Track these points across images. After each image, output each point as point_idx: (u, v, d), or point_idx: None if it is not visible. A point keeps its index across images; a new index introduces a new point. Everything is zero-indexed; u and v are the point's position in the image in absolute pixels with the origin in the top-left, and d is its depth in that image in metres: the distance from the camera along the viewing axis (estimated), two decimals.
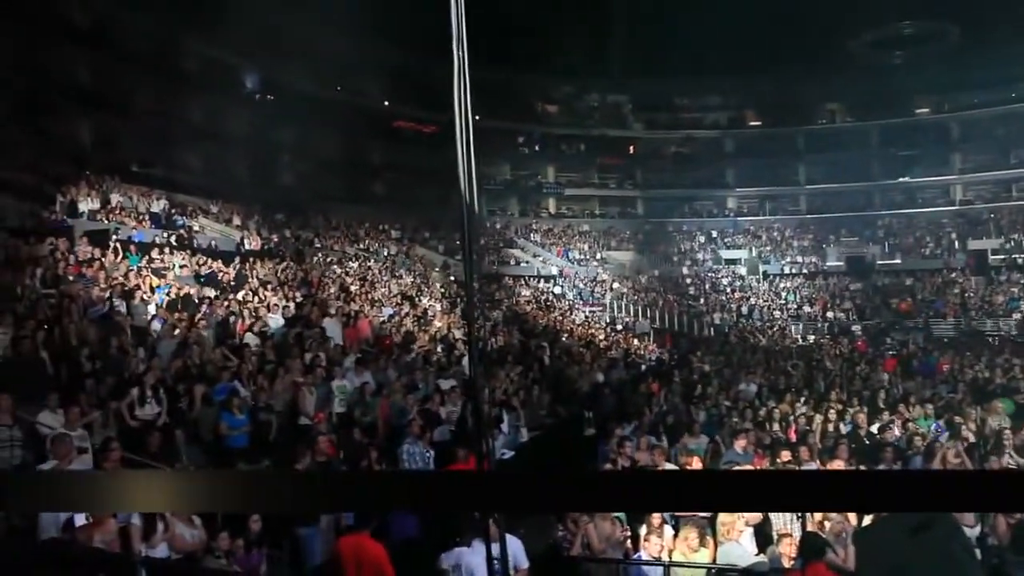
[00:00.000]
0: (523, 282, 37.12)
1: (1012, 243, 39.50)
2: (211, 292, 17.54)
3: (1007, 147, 43.95)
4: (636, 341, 29.85)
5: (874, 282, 40.47)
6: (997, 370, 22.06)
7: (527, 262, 41.41)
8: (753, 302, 39.20)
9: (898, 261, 42.22)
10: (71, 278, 14.74)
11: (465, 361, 15.20)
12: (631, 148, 51.02)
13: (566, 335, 25.61)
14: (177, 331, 13.17)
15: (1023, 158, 43.41)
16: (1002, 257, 38.96)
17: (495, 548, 4.56)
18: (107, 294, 14.32)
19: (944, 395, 18.12)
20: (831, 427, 13.19)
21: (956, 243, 41.61)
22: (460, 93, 2.31)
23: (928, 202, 46.34)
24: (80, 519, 6.03)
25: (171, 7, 32.08)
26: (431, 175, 38.26)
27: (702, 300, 39.02)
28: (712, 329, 34.73)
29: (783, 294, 40.58)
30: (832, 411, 14.43)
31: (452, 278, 31.87)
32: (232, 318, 15.30)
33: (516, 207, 48.57)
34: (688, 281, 42.28)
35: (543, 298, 34.49)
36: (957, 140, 45.93)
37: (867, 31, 41.36)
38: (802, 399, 16.70)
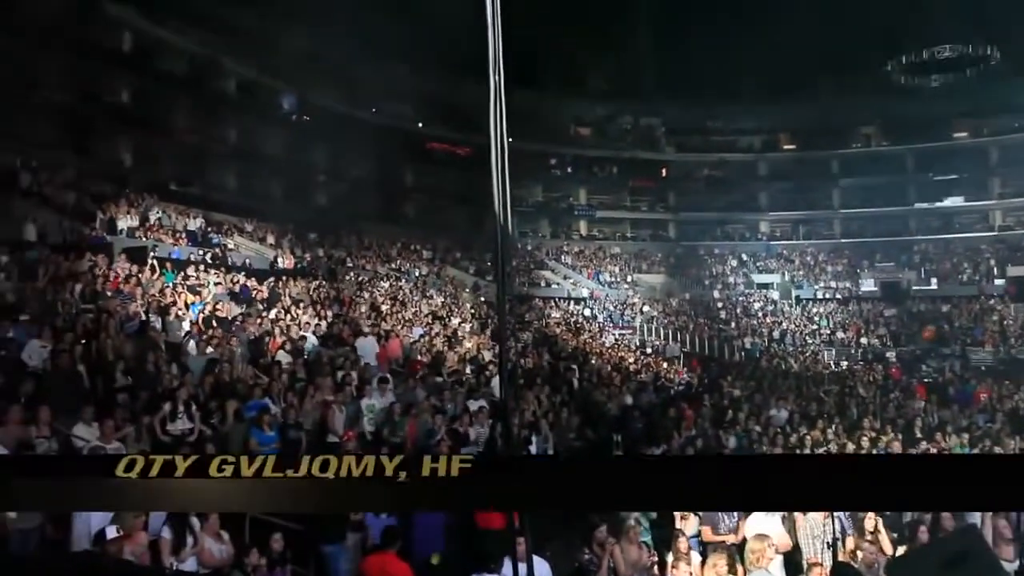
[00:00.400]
0: (553, 304, 37.18)
1: None
2: (244, 309, 17.76)
3: None
4: (666, 364, 29.69)
5: (909, 308, 39.83)
6: None
7: (558, 284, 41.45)
8: (785, 327, 38.78)
9: (934, 287, 41.55)
10: (109, 294, 15.02)
11: (494, 382, 15.20)
12: (663, 171, 50.92)
13: (596, 357, 25.53)
14: (210, 348, 13.35)
15: None
16: None
17: (522, 569, 4.55)
18: (143, 310, 14.57)
19: (981, 425, 17.81)
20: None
21: (995, 269, 40.85)
22: (496, 116, 2.35)
23: (965, 227, 45.57)
24: (111, 531, 6.12)
25: (211, 30, 32.91)
26: (463, 196, 38.57)
27: (733, 324, 38.66)
28: (743, 354, 34.38)
29: (816, 319, 40.11)
30: (865, 439, 14.22)
31: (483, 299, 31.98)
32: (266, 337, 15.48)
33: (547, 229, 48.70)
34: (719, 305, 41.95)
35: (573, 320, 34.47)
36: (996, 164, 45.17)
37: (903, 54, 41.03)
38: (834, 426, 16.49)
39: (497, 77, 2.35)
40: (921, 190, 46.44)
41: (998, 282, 39.81)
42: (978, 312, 37.56)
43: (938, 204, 46.05)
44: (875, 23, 35.91)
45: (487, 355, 20.21)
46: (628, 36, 41.38)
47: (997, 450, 13.48)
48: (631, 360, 27.74)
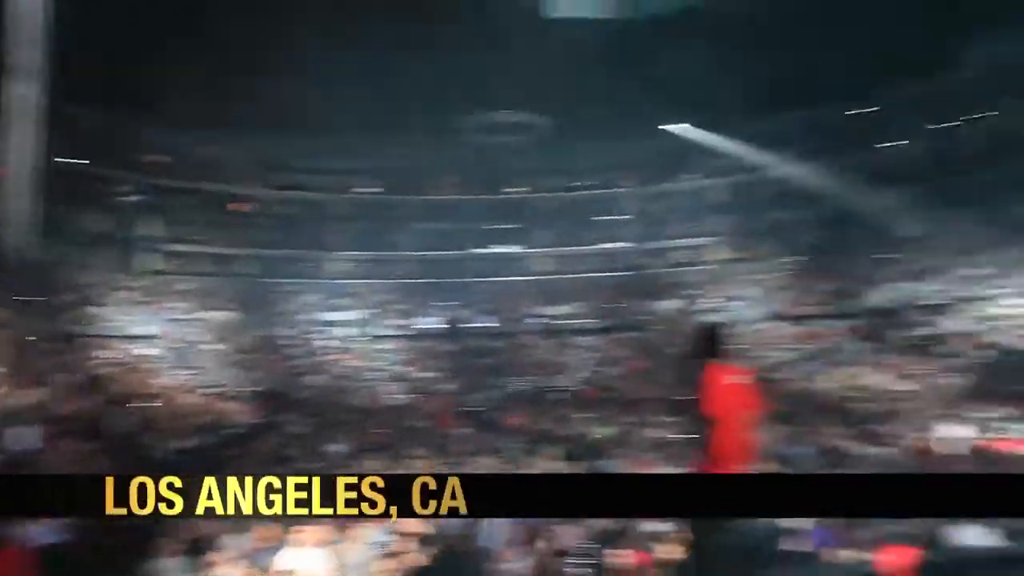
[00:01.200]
0: (109, 343, 33.95)
1: (576, 309, 45.83)
2: None
3: (583, 226, 51.43)
4: (229, 404, 28.86)
5: (466, 344, 43.76)
6: (557, 422, 25.52)
7: (116, 321, 37.85)
8: (351, 363, 40.14)
9: (487, 324, 46.23)
10: None
11: (20, 432, 13.66)
12: (244, 206, 49.76)
13: (153, 400, 24.03)
14: None
15: (599, 235, 51.19)
16: (569, 322, 44.99)
17: None
18: None
19: (510, 446, 20.43)
20: None
21: (534, 309, 46.89)
22: (28, 130, 2.31)
23: (517, 271, 51.50)
24: None
25: None
26: None
27: (301, 361, 39.04)
28: (309, 391, 34.78)
29: (381, 355, 42.16)
30: (416, 464, 15.50)
31: (18, 338, 27.98)
32: None
33: (111, 262, 44.24)
34: (289, 342, 41.99)
35: (130, 360, 31.90)
36: (543, 217, 52.24)
37: (477, 114, 45.41)
38: (390, 455, 17.66)
39: (29, 85, 2.31)
40: (481, 237, 51.85)
41: (536, 320, 45.75)
42: (518, 347, 42.89)
43: (495, 250, 51.82)
44: (453, 82, 38.97)
45: (23, 401, 17.97)
46: (217, 62, 39.35)
47: (517, 468, 15.53)
48: (192, 401, 26.59)
